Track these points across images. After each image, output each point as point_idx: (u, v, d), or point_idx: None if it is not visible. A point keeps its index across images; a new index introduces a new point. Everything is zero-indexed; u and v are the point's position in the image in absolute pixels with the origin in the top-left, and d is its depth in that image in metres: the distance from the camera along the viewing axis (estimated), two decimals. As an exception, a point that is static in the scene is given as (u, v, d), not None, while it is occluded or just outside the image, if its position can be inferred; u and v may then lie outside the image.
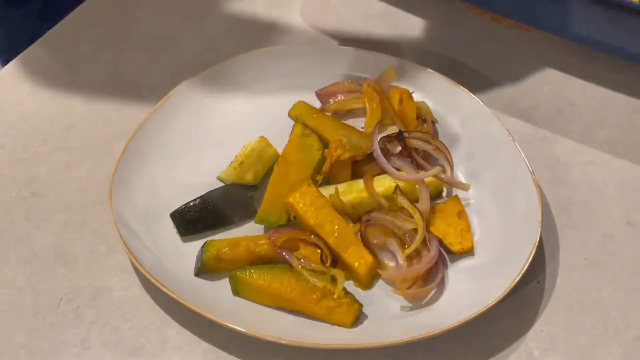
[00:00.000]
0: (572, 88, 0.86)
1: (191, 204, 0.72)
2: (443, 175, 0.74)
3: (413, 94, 0.80)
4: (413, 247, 0.67)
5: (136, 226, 0.70)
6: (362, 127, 0.78)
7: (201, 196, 0.72)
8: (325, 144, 0.76)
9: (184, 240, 0.71)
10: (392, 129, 0.77)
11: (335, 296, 0.65)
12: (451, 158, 0.75)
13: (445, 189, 0.75)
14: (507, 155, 0.74)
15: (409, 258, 0.68)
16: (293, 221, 0.71)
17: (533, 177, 0.72)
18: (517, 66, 0.88)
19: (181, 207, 0.71)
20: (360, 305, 0.66)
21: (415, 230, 0.69)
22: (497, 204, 0.72)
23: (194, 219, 0.71)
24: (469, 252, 0.70)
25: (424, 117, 0.79)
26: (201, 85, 0.80)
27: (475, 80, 0.86)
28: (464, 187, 0.74)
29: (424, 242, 0.68)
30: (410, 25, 0.93)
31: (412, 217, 0.69)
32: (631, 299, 0.69)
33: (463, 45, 0.90)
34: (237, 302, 0.67)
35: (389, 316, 0.66)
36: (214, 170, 0.75)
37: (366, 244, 0.69)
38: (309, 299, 0.66)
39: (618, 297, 0.69)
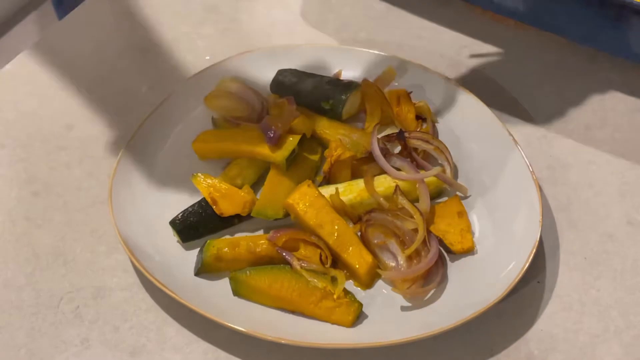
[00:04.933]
0: (572, 88, 0.86)
1: (189, 209, 0.71)
2: (443, 175, 0.74)
3: (411, 94, 0.80)
4: (414, 247, 0.67)
5: (136, 226, 0.70)
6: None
7: (198, 201, 0.72)
8: (325, 144, 0.76)
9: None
10: (392, 129, 0.77)
11: (335, 297, 0.65)
12: (451, 158, 0.75)
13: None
14: (507, 155, 0.74)
15: (409, 258, 0.68)
16: (293, 221, 0.71)
17: (533, 177, 0.72)
18: (517, 66, 0.88)
19: (179, 214, 0.71)
20: (360, 305, 0.66)
21: (416, 230, 0.69)
22: (497, 204, 0.72)
23: (194, 225, 0.71)
24: (469, 252, 0.70)
25: (423, 117, 0.79)
26: (201, 84, 0.80)
27: (476, 80, 0.86)
28: (462, 190, 0.74)
29: (424, 242, 0.68)
30: (410, 25, 0.93)
31: (412, 217, 0.69)
32: (631, 299, 0.69)
33: (463, 45, 0.90)
34: (237, 302, 0.67)
35: (389, 316, 0.66)
36: (214, 170, 0.75)
37: (366, 244, 0.69)
38: (309, 299, 0.66)
39: (618, 297, 0.69)
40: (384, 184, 0.72)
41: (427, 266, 0.67)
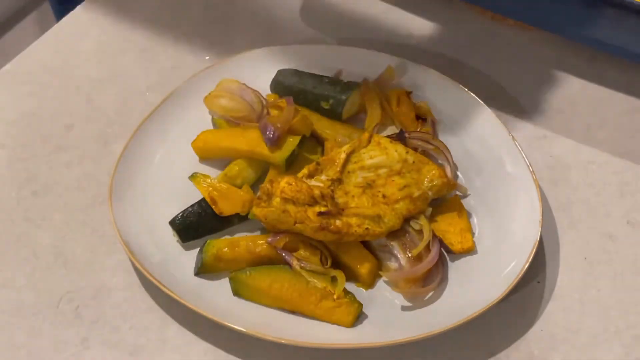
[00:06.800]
0: (572, 88, 0.86)
1: (189, 209, 0.71)
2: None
3: (411, 94, 0.80)
4: (419, 248, 0.67)
5: (136, 226, 0.70)
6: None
7: (198, 201, 0.72)
8: (322, 143, 0.76)
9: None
10: (392, 129, 0.77)
11: (335, 297, 0.65)
12: (451, 158, 0.75)
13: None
14: (507, 155, 0.74)
15: (410, 258, 0.68)
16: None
17: (533, 177, 0.72)
18: (517, 66, 0.88)
19: (179, 214, 0.71)
20: (360, 305, 0.66)
21: (418, 232, 0.69)
22: (497, 204, 0.72)
23: (193, 225, 0.71)
24: (469, 251, 0.70)
25: (424, 117, 0.79)
26: (201, 84, 0.80)
27: (475, 80, 0.86)
28: (462, 190, 0.74)
29: (425, 242, 0.68)
30: (410, 25, 0.93)
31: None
32: (631, 299, 0.69)
33: (463, 45, 0.90)
34: (237, 302, 0.67)
35: (389, 316, 0.66)
36: (214, 170, 0.75)
37: (367, 244, 0.69)
38: (309, 300, 0.66)
39: (618, 297, 0.69)
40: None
41: (428, 266, 0.67)
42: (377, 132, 0.75)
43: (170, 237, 0.71)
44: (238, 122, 0.77)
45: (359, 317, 0.66)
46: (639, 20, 0.79)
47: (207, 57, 0.88)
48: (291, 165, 0.73)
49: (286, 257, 0.68)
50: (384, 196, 0.70)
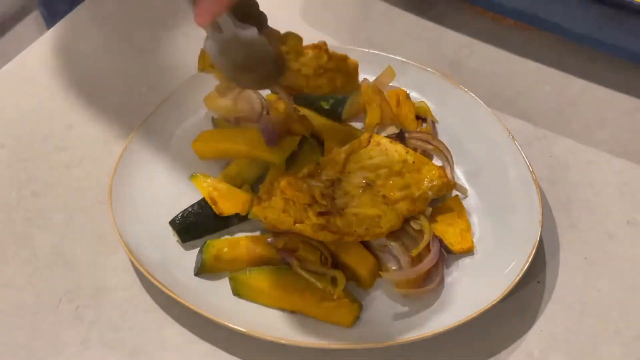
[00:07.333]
0: (572, 88, 0.86)
1: (189, 209, 0.71)
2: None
3: (410, 94, 0.80)
4: (420, 248, 0.67)
5: (136, 226, 0.70)
6: (363, 128, 0.78)
7: (198, 201, 0.72)
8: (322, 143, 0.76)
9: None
10: (392, 129, 0.77)
11: (335, 297, 0.65)
12: (451, 158, 0.75)
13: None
14: (507, 155, 0.74)
15: (410, 258, 0.68)
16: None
17: (533, 177, 0.72)
18: (517, 66, 0.88)
19: (179, 214, 0.71)
20: (360, 305, 0.66)
21: (418, 232, 0.69)
22: (497, 204, 0.72)
23: (193, 225, 0.71)
24: (469, 252, 0.70)
25: (423, 117, 0.79)
26: (201, 84, 0.80)
27: (475, 80, 0.86)
28: (462, 190, 0.74)
29: (424, 242, 0.68)
30: (410, 25, 0.93)
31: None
32: (631, 299, 0.69)
33: (463, 45, 0.90)
34: (237, 302, 0.67)
35: (389, 316, 0.66)
36: (214, 170, 0.75)
37: (367, 244, 0.69)
38: (309, 300, 0.66)
39: (618, 297, 0.69)
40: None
41: (428, 266, 0.67)
42: (377, 132, 0.75)
43: (170, 237, 0.71)
44: (238, 122, 0.77)
45: (359, 317, 0.66)
46: (639, 20, 0.79)
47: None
48: (291, 165, 0.73)
49: (286, 257, 0.68)
50: (384, 196, 0.70)
